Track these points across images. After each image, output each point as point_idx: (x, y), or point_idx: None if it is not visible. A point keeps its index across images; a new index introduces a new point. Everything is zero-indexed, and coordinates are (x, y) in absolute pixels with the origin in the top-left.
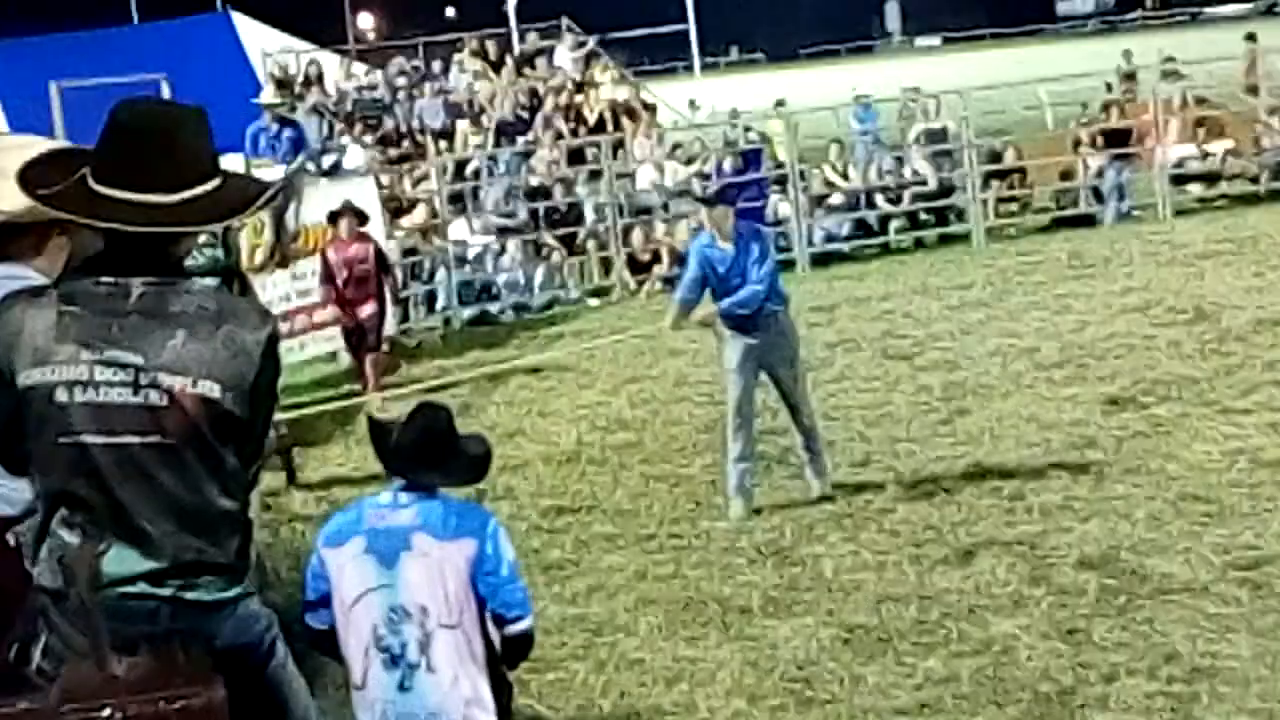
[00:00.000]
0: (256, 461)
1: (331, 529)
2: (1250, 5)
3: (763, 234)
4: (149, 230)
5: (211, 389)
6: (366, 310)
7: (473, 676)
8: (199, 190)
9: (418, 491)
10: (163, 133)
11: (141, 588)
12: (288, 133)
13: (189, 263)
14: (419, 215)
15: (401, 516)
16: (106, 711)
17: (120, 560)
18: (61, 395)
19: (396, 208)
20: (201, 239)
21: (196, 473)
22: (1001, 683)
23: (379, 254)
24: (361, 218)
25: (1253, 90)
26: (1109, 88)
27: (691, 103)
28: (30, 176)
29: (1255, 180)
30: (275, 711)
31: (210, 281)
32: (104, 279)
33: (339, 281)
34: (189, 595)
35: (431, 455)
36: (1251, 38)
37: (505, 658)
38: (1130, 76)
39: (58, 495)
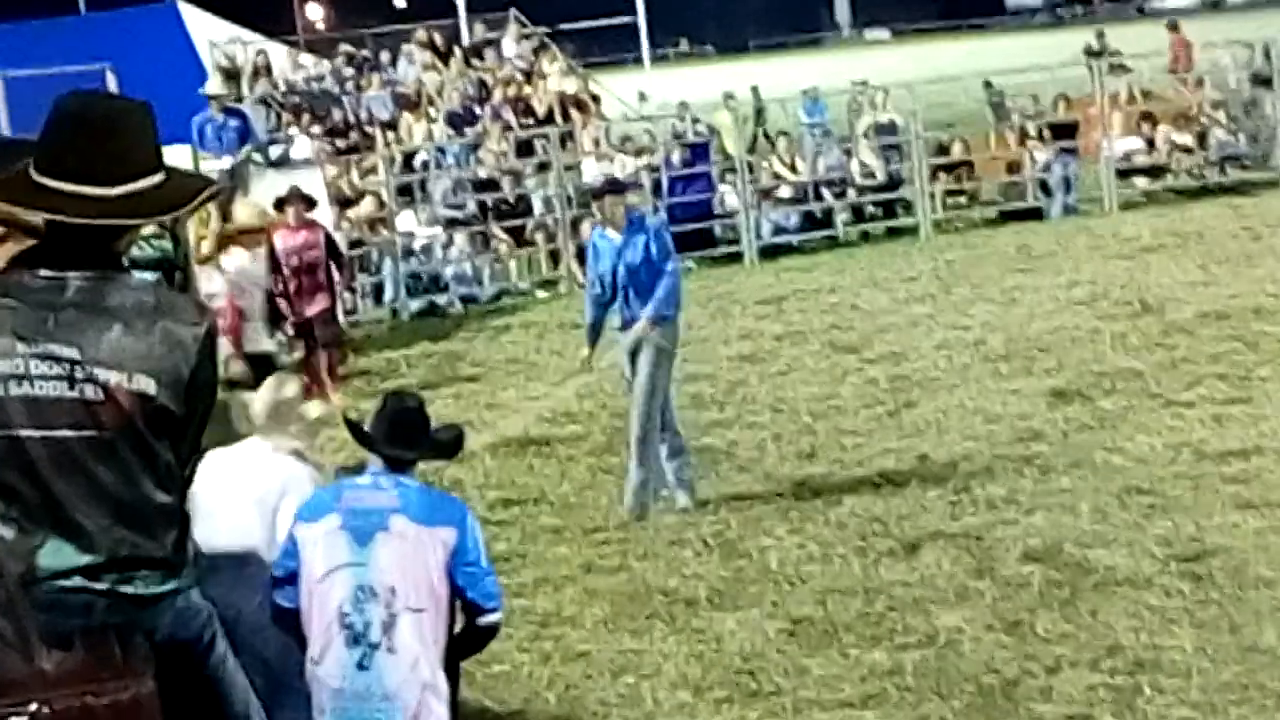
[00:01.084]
0: (195, 457)
1: (307, 505)
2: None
3: (650, 225)
4: (88, 222)
5: (147, 384)
6: (318, 305)
7: (432, 663)
8: (141, 184)
9: (396, 475)
10: (106, 125)
11: (78, 581)
12: (234, 123)
13: (135, 254)
14: (366, 207)
15: (381, 498)
16: (33, 706)
17: (56, 554)
18: None
19: (344, 199)
20: (148, 231)
21: (132, 467)
22: (945, 675)
23: (329, 241)
24: (309, 203)
25: (1184, 82)
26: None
27: (640, 95)
28: None
29: (1201, 174)
30: (215, 707)
31: (150, 275)
32: (42, 272)
33: (286, 270)
34: (125, 589)
35: (406, 435)
36: (1174, 27)
37: (469, 646)
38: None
39: None
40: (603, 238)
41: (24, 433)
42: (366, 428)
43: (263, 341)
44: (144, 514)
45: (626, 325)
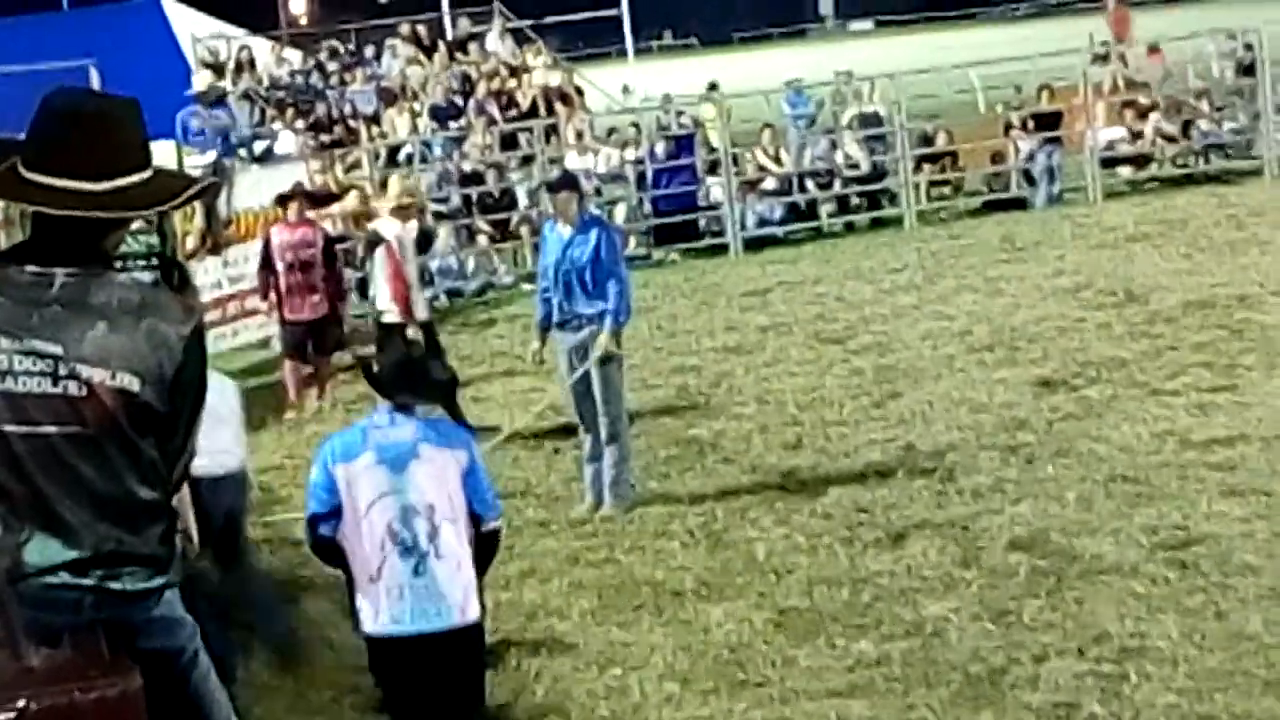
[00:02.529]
0: (182, 457)
1: (339, 447)
2: None
3: (605, 226)
4: (74, 215)
5: (130, 382)
6: (311, 310)
7: (468, 561)
8: (129, 180)
9: (404, 412)
10: (95, 122)
11: (64, 577)
12: (218, 119)
13: (123, 248)
14: (351, 202)
15: (403, 432)
16: (21, 703)
17: (42, 550)
18: None
19: (328, 194)
20: (135, 226)
21: (116, 463)
22: (933, 664)
23: (327, 243)
24: (314, 201)
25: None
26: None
27: (625, 88)
28: None
29: (1185, 163)
30: None
31: (146, 276)
32: (29, 267)
33: (280, 266)
34: (113, 585)
35: (407, 380)
36: None
37: (483, 557)
38: (1104, 57)
39: None
40: (553, 231)
41: (7, 428)
42: (375, 368)
43: (420, 309)
44: (129, 510)
45: (563, 323)
